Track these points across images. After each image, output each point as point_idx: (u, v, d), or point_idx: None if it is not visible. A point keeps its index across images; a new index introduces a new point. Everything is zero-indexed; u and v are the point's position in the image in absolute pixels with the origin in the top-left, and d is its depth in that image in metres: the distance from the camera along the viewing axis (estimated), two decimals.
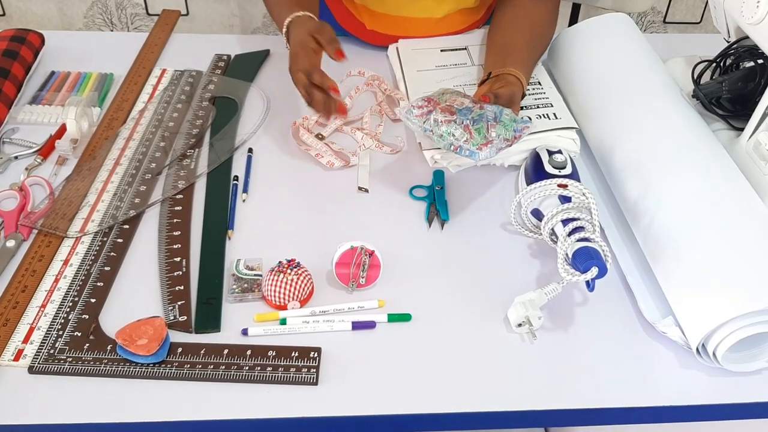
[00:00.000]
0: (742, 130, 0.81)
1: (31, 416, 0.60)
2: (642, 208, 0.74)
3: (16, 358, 0.64)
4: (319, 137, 0.89)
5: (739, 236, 0.67)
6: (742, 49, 0.87)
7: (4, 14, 1.95)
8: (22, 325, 0.67)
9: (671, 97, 0.83)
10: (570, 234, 0.69)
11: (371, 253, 0.71)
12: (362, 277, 0.71)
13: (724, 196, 0.71)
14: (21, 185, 0.82)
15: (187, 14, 1.96)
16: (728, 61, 0.88)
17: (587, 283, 0.67)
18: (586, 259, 0.66)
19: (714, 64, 0.89)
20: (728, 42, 0.89)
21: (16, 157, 0.86)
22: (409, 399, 0.63)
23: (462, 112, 0.77)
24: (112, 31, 1.98)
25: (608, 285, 0.73)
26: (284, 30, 0.91)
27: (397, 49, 1.04)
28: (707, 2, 2.02)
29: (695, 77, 0.89)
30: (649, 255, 0.72)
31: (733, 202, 0.70)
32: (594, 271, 0.66)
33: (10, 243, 0.74)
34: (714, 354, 0.64)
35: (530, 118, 0.84)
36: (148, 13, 1.97)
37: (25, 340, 0.66)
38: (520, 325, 0.68)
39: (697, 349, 0.65)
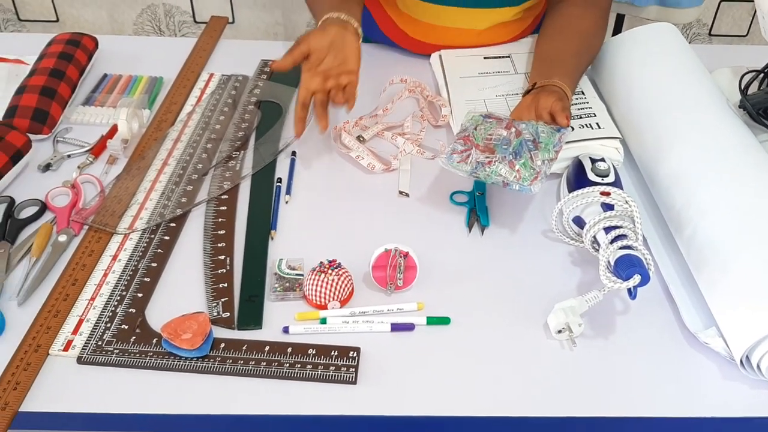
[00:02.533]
0: None
1: (78, 405, 0.62)
2: (686, 218, 0.73)
3: (66, 348, 0.66)
4: (360, 139, 0.91)
5: None
6: None
7: (57, 20, 2.02)
8: (72, 317, 0.69)
9: (717, 107, 0.82)
10: (612, 242, 0.68)
11: (406, 255, 0.72)
12: (399, 279, 0.71)
13: None
14: (73, 183, 0.84)
15: (233, 22, 2.00)
16: None
17: (629, 290, 0.67)
18: (628, 266, 0.65)
19: (762, 75, 0.88)
20: None
21: (69, 156, 0.89)
22: (446, 401, 0.63)
23: (501, 148, 0.77)
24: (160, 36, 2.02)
25: (650, 294, 0.73)
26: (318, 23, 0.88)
27: (440, 56, 1.05)
28: (755, 14, 1.99)
29: (742, 87, 0.88)
30: (693, 265, 0.72)
31: None
32: (636, 278, 0.65)
33: (62, 238, 0.77)
34: (758, 366, 0.63)
35: (573, 128, 0.84)
36: (195, 21, 2.01)
37: (75, 332, 0.68)
38: (560, 331, 0.68)
39: (741, 361, 0.64)
